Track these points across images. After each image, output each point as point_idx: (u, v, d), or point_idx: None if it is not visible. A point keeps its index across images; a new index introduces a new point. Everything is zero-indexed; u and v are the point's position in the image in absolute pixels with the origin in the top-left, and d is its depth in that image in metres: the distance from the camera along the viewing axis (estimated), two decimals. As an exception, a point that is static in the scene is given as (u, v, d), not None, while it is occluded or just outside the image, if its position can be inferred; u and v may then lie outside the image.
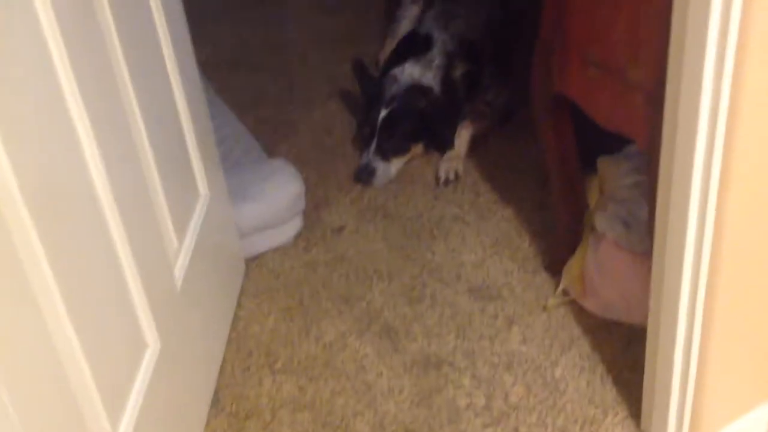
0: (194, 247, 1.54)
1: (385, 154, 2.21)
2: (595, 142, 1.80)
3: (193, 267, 1.52)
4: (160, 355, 1.29)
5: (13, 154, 0.91)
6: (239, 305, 1.85)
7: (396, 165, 2.23)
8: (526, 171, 2.18)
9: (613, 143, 1.80)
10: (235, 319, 1.81)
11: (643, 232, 1.59)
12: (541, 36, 1.61)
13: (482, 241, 2.00)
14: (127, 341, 1.23)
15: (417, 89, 2.26)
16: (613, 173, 1.78)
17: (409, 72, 2.29)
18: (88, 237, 1.12)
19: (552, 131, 1.71)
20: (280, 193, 1.97)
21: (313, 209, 2.13)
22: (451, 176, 2.20)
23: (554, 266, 1.86)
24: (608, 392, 1.58)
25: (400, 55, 2.37)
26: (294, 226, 2.04)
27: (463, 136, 2.29)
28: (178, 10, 1.56)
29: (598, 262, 1.71)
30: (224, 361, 1.71)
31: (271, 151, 2.25)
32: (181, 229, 1.49)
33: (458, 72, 2.34)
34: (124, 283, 1.22)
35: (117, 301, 1.20)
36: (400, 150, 2.23)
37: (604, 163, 1.81)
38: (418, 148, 2.27)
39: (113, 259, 1.19)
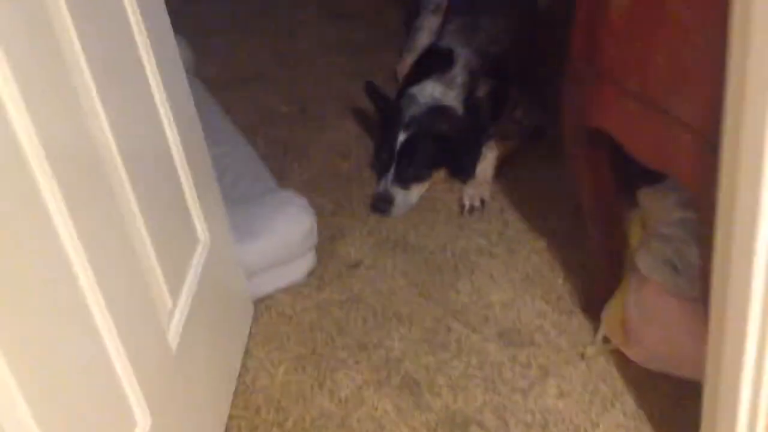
0: (192, 300, 1.38)
1: (405, 182, 2.04)
2: (636, 170, 1.63)
3: (192, 323, 1.36)
4: (149, 436, 1.14)
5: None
6: (247, 353, 1.70)
7: (416, 192, 2.06)
8: (559, 197, 2.01)
9: (657, 171, 1.62)
10: (243, 369, 1.66)
11: (693, 276, 1.42)
12: (570, 63, 1.43)
13: (511, 277, 1.83)
14: (110, 425, 1.08)
15: (438, 111, 2.09)
16: (657, 207, 1.60)
17: (430, 92, 2.11)
18: (59, 314, 0.97)
19: (586, 165, 1.53)
20: (289, 229, 1.81)
21: (328, 241, 1.97)
22: (477, 203, 2.03)
23: (592, 307, 1.68)
24: (657, 459, 1.42)
25: (419, 73, 2.19)
26: (306, 262, 1.88)
27: (489, 158, 2.11)
28: (165, 26, 1.40)
29: (640, 306, 1.53)
30: (230, 418, 1.56)
31: (281, 176, 2.10)
32: (176, 286, 1.34)
33: (483, 90, 2.16)
34: (108, 360, 1.07)
35: (98, 383, 1.05)
36: (421, 177, 2.06)
37: (646, 196, 1.63)
38: (439, 174, 2.10)
39: (92, 335, 1.03)
